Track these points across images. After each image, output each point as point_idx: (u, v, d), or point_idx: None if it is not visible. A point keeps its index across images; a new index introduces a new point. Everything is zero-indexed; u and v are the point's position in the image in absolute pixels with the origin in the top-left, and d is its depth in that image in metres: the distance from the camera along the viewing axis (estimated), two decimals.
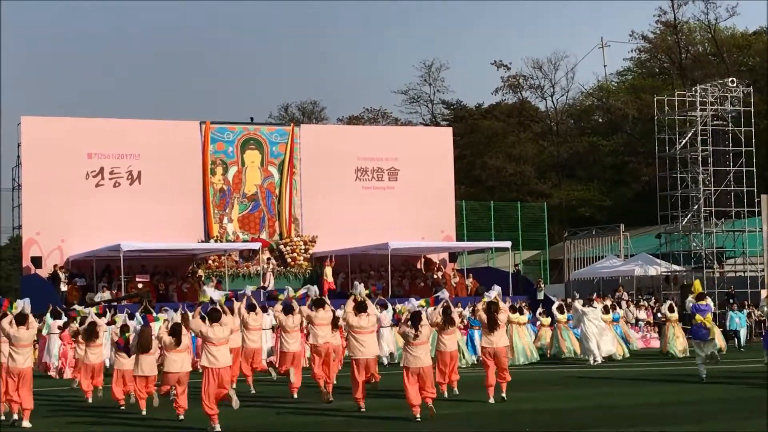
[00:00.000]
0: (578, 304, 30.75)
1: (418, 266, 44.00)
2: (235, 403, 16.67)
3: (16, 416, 17.83)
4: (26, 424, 17.70)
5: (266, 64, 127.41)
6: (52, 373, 28.95)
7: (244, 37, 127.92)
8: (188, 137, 41.72)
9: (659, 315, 36.39)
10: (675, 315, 31.95)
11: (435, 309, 20.49)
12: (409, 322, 17.69)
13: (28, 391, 17.93)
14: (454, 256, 45.28)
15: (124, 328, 20.53)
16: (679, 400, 19.67)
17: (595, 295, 37.45)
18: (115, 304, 31.84)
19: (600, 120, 77.89)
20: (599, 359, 29.26)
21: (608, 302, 34.15)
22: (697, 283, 24.15)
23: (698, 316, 22.94)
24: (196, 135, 41.91)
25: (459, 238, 47.17)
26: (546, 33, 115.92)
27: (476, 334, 29.03)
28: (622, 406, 18.97)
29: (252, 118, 46.84)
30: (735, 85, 44.34)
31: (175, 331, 18.03)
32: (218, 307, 17.33)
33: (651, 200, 49.25)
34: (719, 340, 24.11)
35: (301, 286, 35.38)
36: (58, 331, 28.84)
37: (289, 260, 42.14)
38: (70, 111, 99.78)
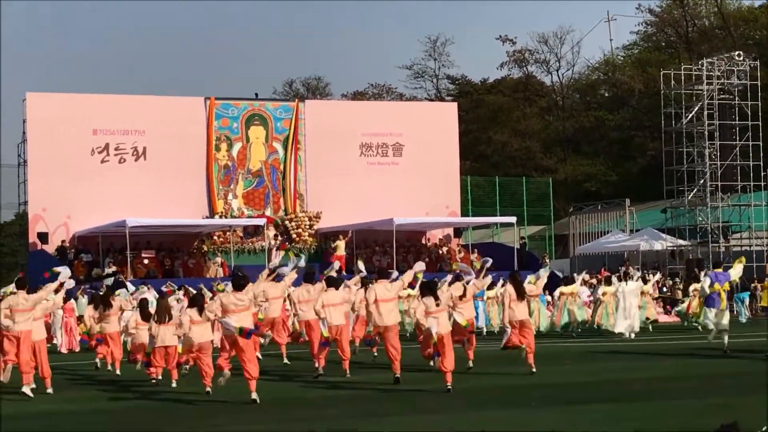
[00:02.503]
0: (614, 279, 30.69)
1: (423, 242, 43.98)
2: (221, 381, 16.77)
3: (27, 389, 17.91)
4: (26, 389, 17.85)
5: (271, 40, 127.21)
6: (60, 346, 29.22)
7: (249, 12, 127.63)
8: (193, 113, 41.69)
9: (665, 289, 36.39)
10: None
11: (450, 284, 20.43)
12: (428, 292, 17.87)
13: (27, 356, 18.09)
14: (459, 232, 45.27)
15: (144, 302, 20.64)
16: (686, 375, 19.66)
17: (602, 270, 37.42)
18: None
19: (606, 94, 77.69)
20: (625, 334, 29.26)
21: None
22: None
23: (716, 285, 23.08)
24: (201, 111, 41.87)
25: (464, 214, 47.17)
26: (551, 7, 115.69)
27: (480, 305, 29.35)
28: (629, 380, 18.95)
29: (256, 94, 46.68)
30: (741, 58, 44.24)
31: (196, 301, 17.90)
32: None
33: (657, 175, 49.17)
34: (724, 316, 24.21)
35: (305, 261, 35.62)
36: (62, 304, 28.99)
37: (294, 236, 42.14)
38: (76, 87, 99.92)
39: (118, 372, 21.69)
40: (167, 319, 18.98)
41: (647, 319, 31.50)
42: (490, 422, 14.29)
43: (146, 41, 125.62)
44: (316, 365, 20.42)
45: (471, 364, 20.40)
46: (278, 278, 22.57)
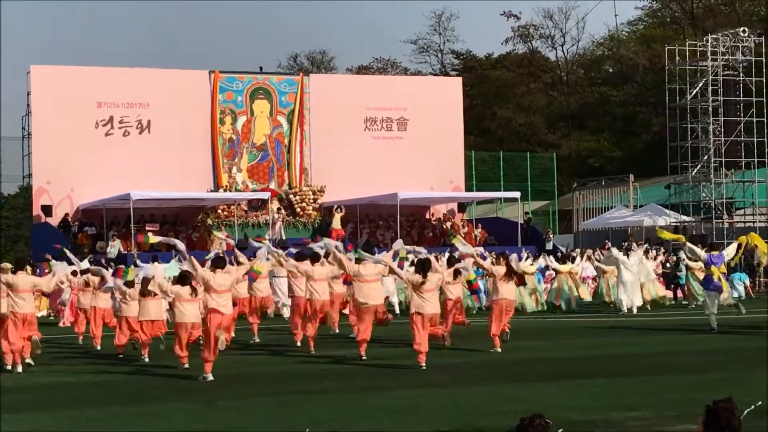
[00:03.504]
0: (615, 251, 30.71)
1: (427, 216, 44.03)
2: (221, 342, 16.71)
3: (19, 368, 17.95)
4: (19, 369, 17.95)
5: (275, 13, 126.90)
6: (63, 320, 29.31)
7: None
8: (197, 86, 41.63)
9: (668, 265, 36.38)
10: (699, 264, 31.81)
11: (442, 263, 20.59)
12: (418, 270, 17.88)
13: (26, 338, 18.23)
14: (463, 207, 45.30)
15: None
16: (686, 350, 19.74)
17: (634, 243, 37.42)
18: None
19: (610, 70, 77.52)
20: (625, 309, 29.30)
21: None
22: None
23: (713, 268, 23.13)
24: (206, 84, 41.82)
25: (468, 189, 47.15)
26: None
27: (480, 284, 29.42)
28: (628, 355, 19.04)
29: (261, 68, 46.68)
30: (746, 34, 44.06)
31: (185, 279, 17.75)
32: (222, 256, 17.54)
33: (661, 151, 49.12)
34: (726, 292, 24.28)
35: (311, 236, 35.78)
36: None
37: (298, 210, 42.18)
38: (80, 60, 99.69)
39: (98, 348, 21.73)
40: (152, 293, 18.94)
41: (660, 298, 31.60)
42: (489, 396, 14.39)
43: (151, 13, 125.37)
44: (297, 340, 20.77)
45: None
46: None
